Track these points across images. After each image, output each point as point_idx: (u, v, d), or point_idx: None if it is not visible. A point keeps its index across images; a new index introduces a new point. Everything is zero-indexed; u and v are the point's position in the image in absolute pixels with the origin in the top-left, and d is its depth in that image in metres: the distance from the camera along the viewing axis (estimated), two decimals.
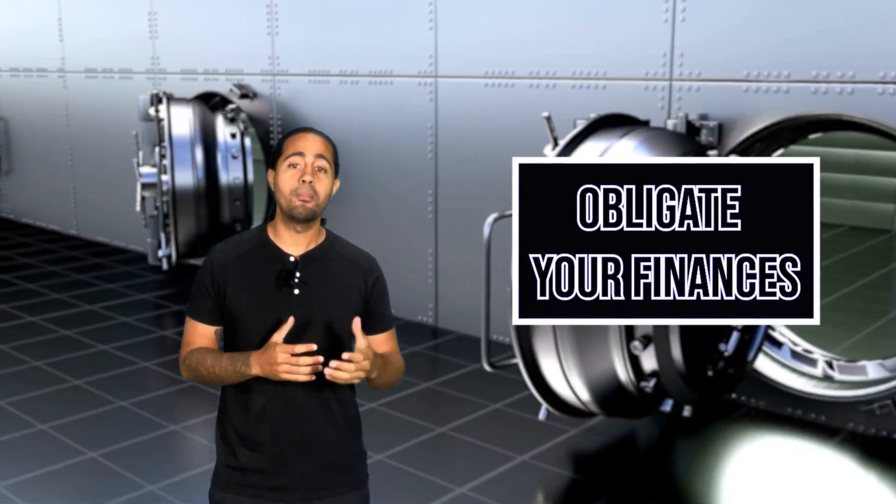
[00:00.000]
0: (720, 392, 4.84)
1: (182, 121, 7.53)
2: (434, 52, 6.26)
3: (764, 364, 5.15)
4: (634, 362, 4.31)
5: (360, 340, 2.14)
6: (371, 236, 6.78)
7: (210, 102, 8.33)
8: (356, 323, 2.16)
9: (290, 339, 2.16)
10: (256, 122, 7.63)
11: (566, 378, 4.44)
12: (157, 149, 7.79)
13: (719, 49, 4.99)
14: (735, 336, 4.81)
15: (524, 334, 4.37)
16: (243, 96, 7.62)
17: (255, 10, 7.43)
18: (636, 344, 4.24)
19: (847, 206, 10.11)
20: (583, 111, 4.90)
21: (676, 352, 4.31)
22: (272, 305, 2.23)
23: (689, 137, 4.96)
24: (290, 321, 2.15)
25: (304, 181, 2.20)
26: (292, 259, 2.26)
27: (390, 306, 2.42)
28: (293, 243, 2.27)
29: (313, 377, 2.12)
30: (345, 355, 2.12)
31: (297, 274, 2.23)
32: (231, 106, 7.90)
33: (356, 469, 2.39)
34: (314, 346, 2.12)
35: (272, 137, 7.54)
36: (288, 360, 2.09)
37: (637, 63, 5.29)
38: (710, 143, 4.96)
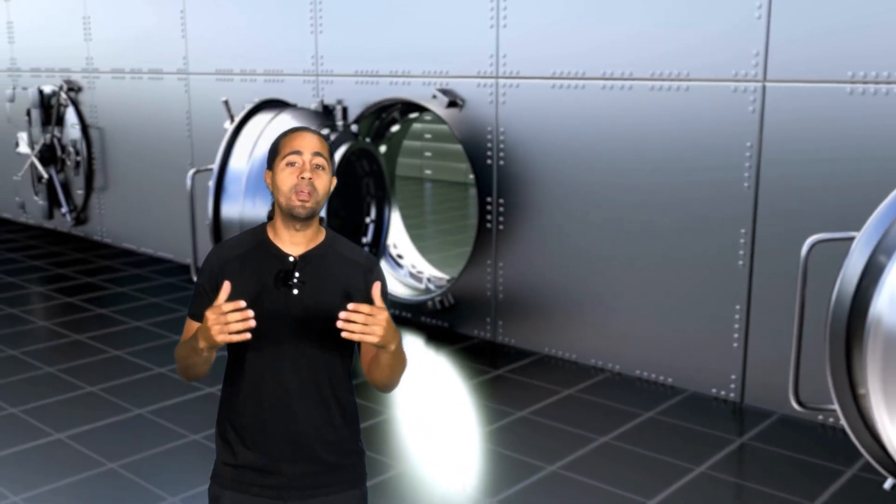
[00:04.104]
0: None
1: (249, 136, 6.10)
2: (763, 49, 4.76)
3: None
4: None
5: (377, 301, 2.08)
6: (647, 287, 5.27)
7: (387, 112, 6.86)
8: (375, 288, 2.10)
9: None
10: (465, 136, 6.13)
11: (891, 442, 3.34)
12: (190, 173, 6.52)
13: None
14: None
15: (839, 376, 3.45)
16: (451, 104, 6.12)
17: None
18: None
19: None
20: None
21: None
22: (271, 305, 2.21)
23: None
24: (241, 303, 2.03)
25: (303, 178, 2.19)
26: (291, 259, 2.25)
27: (388, 307, 2.22)
28: (292, 242, 2.26)
29: (247, 336, 2.03)
30: (350, 305, 2.02)
31: (296, 274, 2.22)
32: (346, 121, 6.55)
33: (354, 468, 2.37)
34: (242, 303, 2.02)
35: (490, 155, 6.04)
36: (217, 320, 2.00)
37: None
38: None
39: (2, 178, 10.78)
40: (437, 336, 6.42)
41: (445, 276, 6.99)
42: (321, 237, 2.31)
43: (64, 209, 9.80)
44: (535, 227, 5.88)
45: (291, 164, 2.22)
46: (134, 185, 9.07)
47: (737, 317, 5.04)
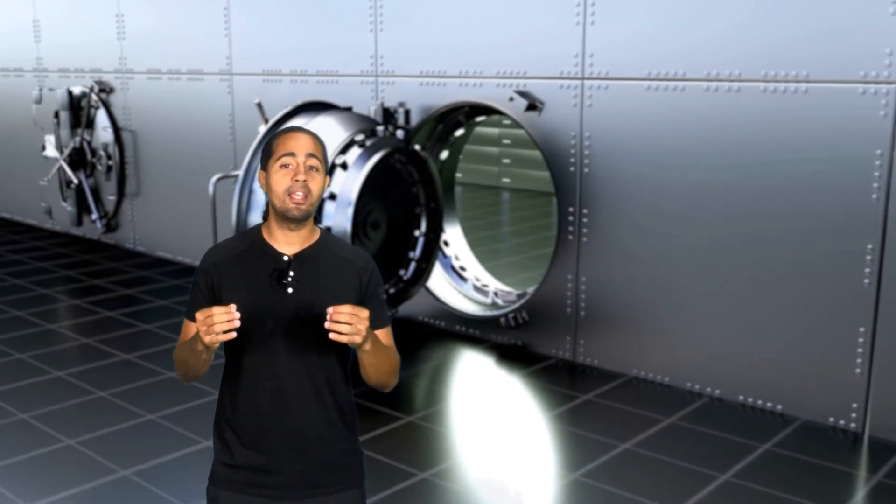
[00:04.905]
0: None
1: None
2: None
3: None
4: None
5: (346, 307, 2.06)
6: (753, 304, 4.84)
7: (451, 115, 6.44)
8: (329, 309, 2.05)
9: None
10: (544, 141, 5.71)
11: None
12: (213, 179, 6.24)
13: None
14: None
15: None
16: (530, 108, 5.69)
17: None
18: None
19: None
20: None
21: None
22: (266, 305, 2.21)
23: None
24: (232, 306, 2.05)
25: (297, 180, 2.19)
26: (286, 258, 2.25)
27: (386, 305, 2.36)
28: (286, 242, 2.26)
29: (232, 335, 2.04)
30: (330, 308, 2.04)
31: (291, 273, 2.22)
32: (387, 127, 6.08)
33: (353, 468, 2.34)
34: (233, 306, 2.03)
35: (573, 162, 5.61)
36: (204, 321, 2.02)
37: None
38: None
39: (26, 183, 10.37)
40: (510, 355, 5.99)
41: (513, 290, 6.57)
42: (315, 236, 2.30)
43: (94, 216, 9.38)
44: (624, 238, 5.46)
45: (285, 165, 2.21)
46: (169, 191, 8.65)
47: (860, 340, 4.62)
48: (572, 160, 5.60)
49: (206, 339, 2.01)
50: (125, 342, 6.24)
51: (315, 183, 2.21)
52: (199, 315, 2.02)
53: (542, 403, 5.26)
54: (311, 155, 2.22)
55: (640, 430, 4.79)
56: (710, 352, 5.18)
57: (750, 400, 5.07)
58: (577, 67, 5.49)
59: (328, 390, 2.26)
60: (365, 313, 2.05)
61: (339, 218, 5.46)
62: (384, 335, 2.31)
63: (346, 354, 2.30)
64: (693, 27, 5.00)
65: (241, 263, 2.26)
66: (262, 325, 2.20)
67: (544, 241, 10.50)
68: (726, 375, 5.13)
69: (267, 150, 2.26)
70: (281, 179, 2.20)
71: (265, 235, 2.29)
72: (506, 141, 14.15)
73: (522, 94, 5.72)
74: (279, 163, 2.21)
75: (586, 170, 5.55)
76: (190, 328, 2.27)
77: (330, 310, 2.03)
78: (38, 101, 9.62)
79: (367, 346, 2.11)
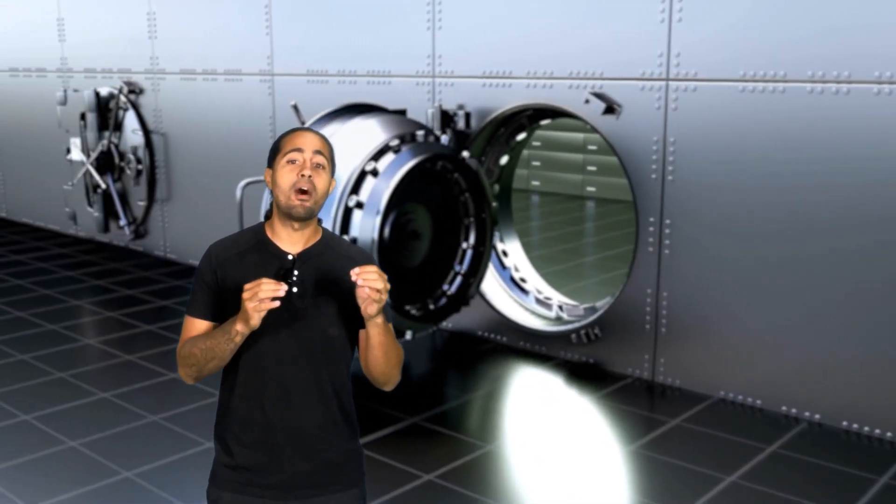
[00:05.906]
0: None
1: None
2: None
3: None
4: None
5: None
6: (854, 320, 4.47)
7: (514, 119, 6.08)
8: (355, 270, 2.06)
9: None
10: (622, 147, 5.35)
11: None
12: (241, 184, 5.85)
13: None
14: None
15: None
16: (608, 110, 5.33)
17: None
18: None
19: None
20: None
21: None
22: None
23: None
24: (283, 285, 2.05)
25: (303, 175, 2.18)
26: (290, 257, 2.24)
27: (387, 303, 2.28)
28: (290, 241, 2.25)
29: (276, 303, 2.03)
30: (354, 270, 2.05)
31: (295, 272, 2.20)
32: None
33: (353, 467, 2.33)
34: (283, 284, 2.04)
35: (655, 169, 5.25)
36: (250, 289, 2.01)
37: None
38: None
39: (49, 187, 10.01)
40: (581, 374, 5.63)
41: (578, 303, 6.20)
42: (318, 235, 2.30)
43: (122, 221, 9.01)
44: (711, 250, 5.10)
45: (292, 161, 2.20)
46: (202, 197, 8.29)
47: None
48: (654, 167, 5.24)
49: (250, 305, 1.99)
50: (168, 359, 5.87)
51: (320, 180, 2.21)
52: (249, 284, 2.02)
53: (624, 429, 4.89)
54: (317, 152, 2.22)
55: (741, 460, 4.42)
56: (808, 372, 4.82)
57: (855, 426, 4.70)
58: (662, 68, 5.13)
59: (332, 389, 2.25)
60: (384, 276, 2.05)
61: (365, 228, 5.05)
62: None
63: (349, 353, 2.30)
64: (794, 24, 4.63)
65: (245, 261, 2.25)
66: (266, 324, 2.15)
67: (583, 248, 10.16)
68: (827, 398, 4.77)
69: (274, 148, 2.26)
70: (287, 175, 2.19)
71: (269, 233, 2.27)
72: (536, 143, 13.80)
73: (599, 95, 5.36)
74: (286, 158, 2.21)
75: (670, 177, 5.19)
76: (193, 325, 2.24)
77: (355, 270, 2.03)
78: (63, 102, 9.26)
79: (380, 319, 2.12)
